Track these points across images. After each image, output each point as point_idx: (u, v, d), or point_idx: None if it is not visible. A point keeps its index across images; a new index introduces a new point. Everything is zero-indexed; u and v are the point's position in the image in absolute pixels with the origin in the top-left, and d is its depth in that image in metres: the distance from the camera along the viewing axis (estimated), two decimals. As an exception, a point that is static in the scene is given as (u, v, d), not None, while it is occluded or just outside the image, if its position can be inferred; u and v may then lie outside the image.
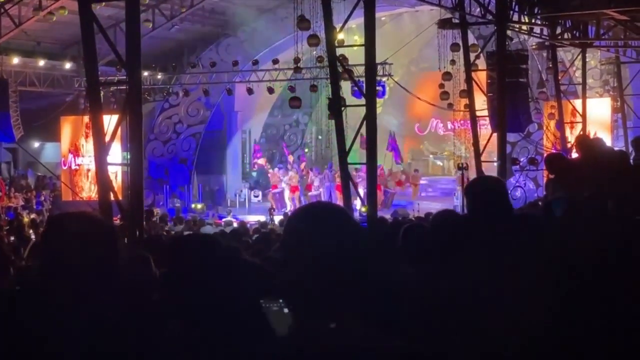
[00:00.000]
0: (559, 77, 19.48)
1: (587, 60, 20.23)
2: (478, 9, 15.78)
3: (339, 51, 12.33)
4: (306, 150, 29.72)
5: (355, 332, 1.71)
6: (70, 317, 2.10)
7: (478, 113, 16.20)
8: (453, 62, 19.71)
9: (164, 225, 17.54)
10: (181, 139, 25.96)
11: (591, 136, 16.24)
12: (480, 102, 16.87)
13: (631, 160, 8.14)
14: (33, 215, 20.39)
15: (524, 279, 2.67)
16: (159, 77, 24.05)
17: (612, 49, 21.47)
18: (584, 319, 2.50)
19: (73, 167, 20.99)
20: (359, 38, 18.54)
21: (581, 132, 18.46)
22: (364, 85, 11.59)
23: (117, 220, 9.10)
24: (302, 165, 27.01)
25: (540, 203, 9.00)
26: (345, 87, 14.09)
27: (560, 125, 19.76)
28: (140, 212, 8.55)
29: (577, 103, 20.19)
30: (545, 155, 16.29)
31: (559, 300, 2.53)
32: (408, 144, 29.03)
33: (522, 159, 20.82)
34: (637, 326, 2.46)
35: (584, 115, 19.75)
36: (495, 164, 15.51)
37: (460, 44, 16.23)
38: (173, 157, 25.91)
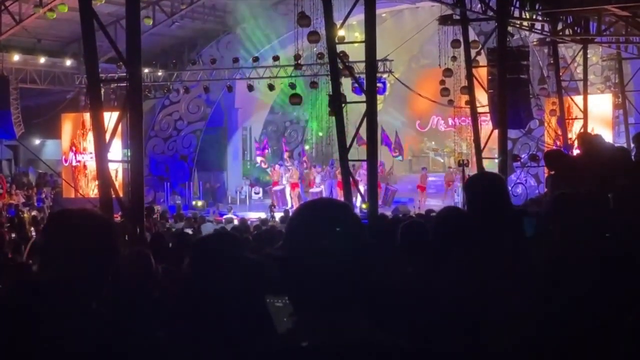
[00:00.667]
0: (560, 74, 19.47)
1: (588, 56, 20.21)
2: (479, 5, 15.76)
3: (340, 48, 12.32)
4: (307, 147, 29.71)
5: (356, 330, 1.70)
6: (69, 313, 2.10)
7: (479, 109, 16.18)
8: (454, 58, 19.69)
9: (164, 223, 17.54)
10: (182, 136, 25.96)
11: (591, 133, 16.22)
12: (481, 98, 16.87)
13: (632, 157, 8.13)
14: (34, 213, 20.40)
15: (522, 276, 2.66)
16: (160, 74, 24.04)
17: (614, 45, 21.44)
18: (584, 318, 2.50)
19: (74, 164, 21.00)
20: (359, 35, 18.55)
21: (582, 129, 18.44)
22: (365, 81, 11.58)
23: (117, 218, 9.10)
24: (305, 158, 27.04)
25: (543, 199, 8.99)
26: (346, 83, 14.08)
27: (561, 122, 19.74)
28: (140, 209, 8.55)
29: (579, 99, 20.16)
30: (544, 152, 16.30)
31: (557, 299, 2.53)
32: (409, 140, 29.00)
33: (523, 156, 20.81)
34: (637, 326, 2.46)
35: (585, 112, 19.74)
36: (496, 160, 15.50)
37: (461, 40, 16.21)
38: (174, 154, 25.92)
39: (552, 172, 7.24)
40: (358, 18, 13.84)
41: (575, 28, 18.50)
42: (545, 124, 21.17)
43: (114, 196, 8.58)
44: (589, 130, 18.35)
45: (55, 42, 22.86)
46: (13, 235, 13.97)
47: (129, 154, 8.78)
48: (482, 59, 16.85)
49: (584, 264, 2.74)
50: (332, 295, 1.71)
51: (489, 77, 15.83)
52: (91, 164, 19.35)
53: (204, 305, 2.52)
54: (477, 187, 3.23)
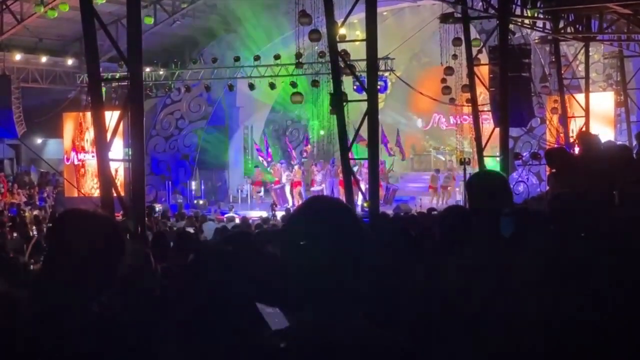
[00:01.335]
0: (562, 71, 19.44)
1: (590, 54, 20.18)
2: (480, 3, 15.74)
3: (341, 46, 12.31)
4: (308, 146, 29.70)
5: (355, 327, 1.70)
6: (75, 312, 2.10)
7: (480, 108, 16.17)
8: (455, 56, 19.66)
9: (166, 221, 17.55)
10: (183, 134, 25.96)
11: (590, 132, 16.20)
12: (483, 96, 16.85)
13: (634, 154, 8.12)
14: (36, 212, 20.42)
15: (523, 274, 2.66)
16: (161, 73, 24.04)
17: (615, 42, 21.40)
18: (584, 318, 2.49)
19: (76, 163, 21.00)
20: (360, 33, 18.49)
21: (583, 127, 18.43)
22: (366, 80, 11.58)
23: (119, 217, 9.10)
24: (308, 148, 27.06)
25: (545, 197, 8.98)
26: (347, 82, 14.08)
27: (563, 120, 19.71)
28: (141, 208, 8.56)
29: (580, 97, 20.13)
30: (546, 150, 16.27)
31: (558, 297, 2.52)
32: (410, 139, 28.99)
33: (524, 154, 20.79)
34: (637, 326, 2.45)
35: (587, 110, 19.71)
36: (498, 158, 15.49)
37: (463, 38, 16.19)
38: (175, 153, 25.92)
39: (553, 170, 7.23)
40: (359, 16, 13.82)
41: (577, 26, 18.47)
42: (547, 122, 21.15)
43: (115, 195, 8.59)
44: (590, 128, 18.34)
45: (57, 41, 22.87)
46: (15, 234, 13.99)
47: (130, 152, 8.78)
48: (484, 57, 16.83)
49: (584, 263, 2.73)
50: (327, 292, 1.71)
51: (491, 75, 15.81)
52: (91, 163, 19.36)
53: (207, 304, 2.52)
54: (479, 185, 3.22)
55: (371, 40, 10.80)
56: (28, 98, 21.84)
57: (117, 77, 17.96)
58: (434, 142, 29.72)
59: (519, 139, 22.24)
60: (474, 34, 17.79)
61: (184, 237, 7.09)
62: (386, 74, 21.58)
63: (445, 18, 16.97)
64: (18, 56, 21.28)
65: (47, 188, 23.94)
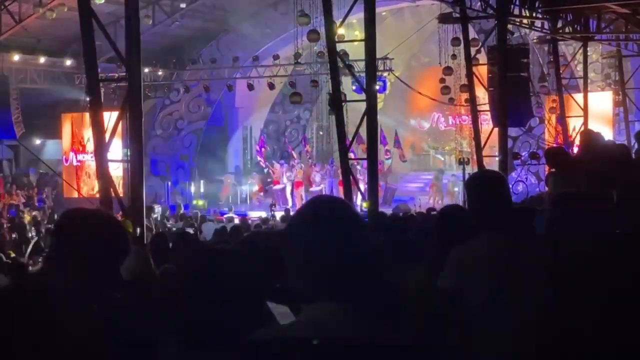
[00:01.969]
0: (561, 71, 19.44)
1: (588, 53, 20.19)
2: (479, 3, 15.74)
3: (340, 46, 12.31)
4: (307, 146, 29.71)
5: (357, 326, 1.71)
6: (78, 312, 2.11)
7: (479, 107, 16.17)
8: (454, 56, 19.67)
9: (165, 222, 17.55)
10: (182, 135, 25.95)
11: (593, 130, 16.19)
12: (482, 96, 16.84)
13: (633, 154, 8.12)
14: (35, 213, 20.41)
15: (524, 274, 2.66)
16: (160, 73, 24.03)
17: (614, 42, 21.41)
18: (585, 319, 2.49)
19: (74, 164, 20.99)
20: (359, 33, 18.49)
21: (582, 126, 18.43)
22: (365, 80, 11.57)
23: (118, 217, 9.09)
24: (308, 148, 27.07)
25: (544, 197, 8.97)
26: (346, 82, 14.09)
27: (561, 120, 19.73)
28: (140, 209, 8.55)
29: (579, 97, 20.14)
30: (545, 149, 16.28)
31: (559, 298, 2.52)
32: (409, 139, 29.00)
33: (523, 154, 20.79)
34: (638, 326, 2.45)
35: (585, 109, 19.72)
36: (497, 158, 15.49)
37: (461, 38, 16.20)
38: (174, 153, 25.91)
39: (552, 170, 7.23)
40: (358, 16, 13.83)
41: (575, 26, 18.48)
42: (546, 122, 21.16)
43: (114, 196, 8.58)
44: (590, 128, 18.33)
45: (55, 42, 22.84)
46: (14, 235, 13.98)
47: (129, 153, 8.77)
48: (482, 57, 16.82)
49: (586, 264, 2.73)
50: (331, 290, 1.71)
51: (489, 75, 15.81)
52: (90, 164, 19.36)
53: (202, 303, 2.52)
54: (478, 185, 3.22)
55: (370, 40, 10.80)
56: (26, 99, 21.83)
57: (115, 77, 17.90)
58: (433, 142, 29.73)
59: (517, 138, 22.25)
60: (472, 34, 17.79)
61: (183, 238, 7.09)
62: (385, 74, 21.59)
63: (444, 18, 16.98)
64: (16, 57, 21.25)
65: (45, 189, 23.91)
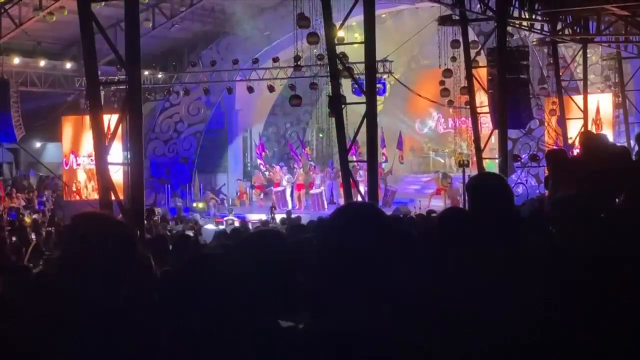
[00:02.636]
0: (560, 73, 19.46)
1: (588, 56, 20.20)
2: (478, 6, 15.76)
3: (339, 49, 12.32)
4: (307, 149, 29.73)
5: (366, 324, 1.72)
6: (82, 311, 2.12)
7: (479, 110, 16.18)
8: (454, 59, 19.68)
9: (165, 225, 17.55)
10: (182, 138, 25.96)
11: (593, 132, 16.21)
12: (481, 98, 16.86)
13: (633, 156, 8.12)
14: (35, 216, 20.41)
15: (523, 277, 2.66)
16: (160, 76, 24.05)
17: (613, 44, 21.44)
18: (585, 320, 2.49)
19: (74, 167, 20.99)
20: (359, 35, 18.53)
21: (582, 128, 18.44)
22: (364, 82, 11.58)
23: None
24: (308, 150, 27.07)
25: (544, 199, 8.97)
26: (346, 84, 14.08)
27: (561, 122, 19.74)
28: (140, 212, 8.55)
29: (579, 99, 20.15)
30: (546, 151, 16.29)
31: (558, 302, 2.52)
32: (409, 141, 29.01)
33: (523, 156, 20.80)
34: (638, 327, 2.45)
35: (585, 111, 19.73)
36: (497, 160, 15.50)
37: (461, 40, 16.21)
38: (174, 156, 25.91)
39: (552, 172, 7.22)
40: (357, 19, 13.84)
41: (575, 28, 18.50)
42: (546, 124, 21.16)
43: (114, 199, 8.58)
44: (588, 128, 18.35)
45: (55, 44, 22.86)
46: (14, 238, 13.98)
47: (129, 156, 8.78)
48: (482, 59, 16.84)
49: (585, 265, 2.73)
50: (351, 290, 1.74)
51: (489, 78, 15.83)
52: (87, 167, 19.34)
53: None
54: (479, 187, 3.22)
55: (370, 42, 10.81)
56: (27, 102, 21.83)
57: (115, 80, 17.94)
58: (432, 144, 29.74)
59: (517, 140, 22.25)
60: (472, 36, 17.80)
61: (184, 241, 7.09)
62: (385, 76, 21.60)
63: (443, 20, 16.99)
64: (16, 60, 21.27)
65: (46, 192, 23.91)
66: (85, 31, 8.46)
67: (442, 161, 28.67)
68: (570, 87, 20.99)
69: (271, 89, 22.71)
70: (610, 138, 19.29)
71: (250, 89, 22.84)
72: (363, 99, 11.29)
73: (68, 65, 22.96)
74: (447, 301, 2.61)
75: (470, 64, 15.65)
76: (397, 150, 26.10)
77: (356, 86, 13.02)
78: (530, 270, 2.77)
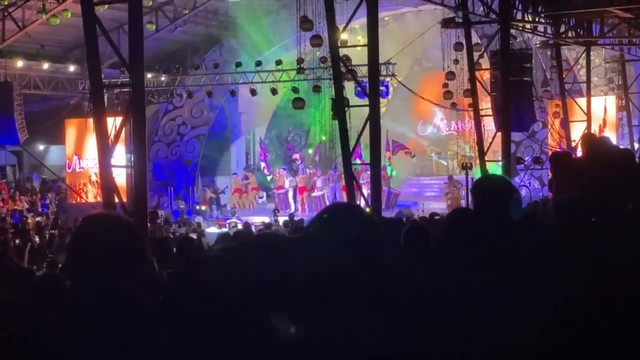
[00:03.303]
0: (564, 76, 19.45)
1: (591, 58, 20.20)
2: (481, 8, 15.77)
3: (342, 51, 12.32)
4: (310, 150, 29.72)
5: (360, 329, 1.71)
6: (89, 311, 2.13)
7: (482, 112, 16.17)
8: (457, 61, 19.68)
9: (168, 227, 17.56)
10: (185, 140, 25.98)
11: (596, 134, 16.20)
12: (484, 101, 16.85)
13: (637, 158, 8.10)
14: (38, 218, 20.43)
15: (526, 280, 2.65)
16: (163, 79, 24.08)
17: (617, 46, 21.42)
18: (586, 323, 2.48)
19: (77, 169, 21.02)
20: (362, 38, 18.52)
21: (585, 131, 18.42)
22: (367, 85, 11.59)
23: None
24: (310, 152, 27.08)
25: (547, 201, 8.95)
26: (349, 87, 14.08)
27: (565, 124, 19.72)
28: (144, 214, 8.55)
29: (582, 101, 20.13)
30: (550, 153, 16.26)
31: (561, 304, 2.52)
32: (412, 144, 28.99)
33: (526, 158, 20.78)
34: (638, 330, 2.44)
35: (588, 114, 19.71)
36: (500, 163, 15.48)
37: (464, 43, 16.21)
38: (177, 158, 25.93)
39: (555, 175, 7.20)
40: (361, 22, 13.85)
41: (578, 30, 18.49)
42: (549, 127, 21.14)
43: (117, 201, 8.59)
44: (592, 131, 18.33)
45: (59, 47, 22.91)
46: (17, 241, 14.00)
47: (133, 159, 8.79)
48: (485, 62, 16.85)
49: (586, 267, 2.72)
50: (335, 293, 1.72)
51: (492, 80, 15.82)
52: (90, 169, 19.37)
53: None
54: (484, 189, 3.22)
55: (373, 45, 10.82)
56: (30, 105, 21.89)
57: (119, 83, 17.97)
58: (435, 147, 29.72)
59: (520, 143, 22.22)
60: (475, 38, 17.81)
61: (187, 244, 7.08)
62: (388, 78, 21.59)
63: (446, 23, 17.00)
64: (20, 63, 21.32)
65: (49, 194, 23.95)
66: (88, 34, 8.48)
67: (445, 164, 28.65)
68: (574, 90, 20.98)
69: (274, 91, 22.72)
70: (614, 140, 19.28)
71: (253, 92, 22.86)
72: (366, 101, 11.29)
73: (71, 68, 23.01)
74: (453, 302, 2.60)
75: (473, 67, 15.65)
76: (401, 151, 26.06)
77: (359, 89, 13.03)
78: (531, 271, 2.77)
